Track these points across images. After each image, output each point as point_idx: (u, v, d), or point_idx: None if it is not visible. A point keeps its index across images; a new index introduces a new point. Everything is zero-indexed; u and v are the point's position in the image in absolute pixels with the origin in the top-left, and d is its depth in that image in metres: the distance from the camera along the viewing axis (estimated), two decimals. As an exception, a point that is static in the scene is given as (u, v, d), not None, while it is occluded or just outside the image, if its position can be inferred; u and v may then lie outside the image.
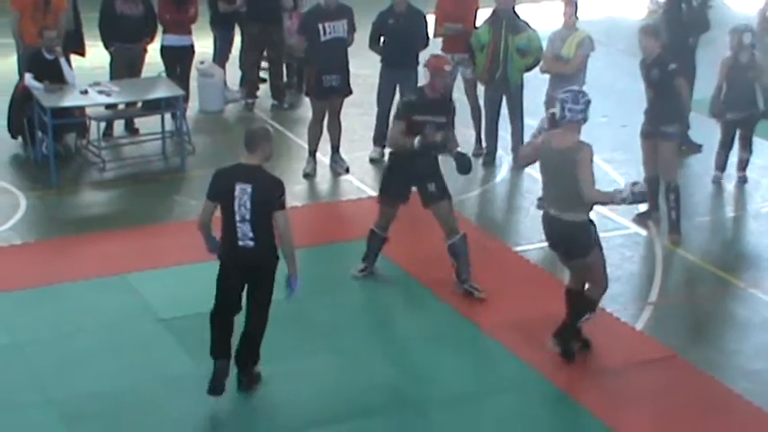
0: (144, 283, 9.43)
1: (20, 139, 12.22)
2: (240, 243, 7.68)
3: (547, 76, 11.65)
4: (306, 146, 12.09)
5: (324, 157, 12.08)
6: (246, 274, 7.81)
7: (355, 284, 9.55)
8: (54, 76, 11.87)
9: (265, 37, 13.46)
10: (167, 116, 12.40)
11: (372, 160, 12.23)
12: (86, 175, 11.93)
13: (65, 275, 9.53)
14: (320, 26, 11.56)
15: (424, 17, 12.10)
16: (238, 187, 7.63)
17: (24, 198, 11.15)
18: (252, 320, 7.92)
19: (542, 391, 8.05)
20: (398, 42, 11.91)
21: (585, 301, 8.37)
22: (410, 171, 9.30)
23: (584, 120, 8.07)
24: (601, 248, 8.26)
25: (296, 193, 11.55)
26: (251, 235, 7.66)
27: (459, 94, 12.42)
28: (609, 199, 8.11)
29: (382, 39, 12.02)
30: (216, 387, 7.83)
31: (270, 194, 7.65)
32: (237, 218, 7.63)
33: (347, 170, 11.96)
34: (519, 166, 11.59)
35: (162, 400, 7.94)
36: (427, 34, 12.12)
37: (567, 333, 8.37)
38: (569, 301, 8.42)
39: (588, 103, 8.05)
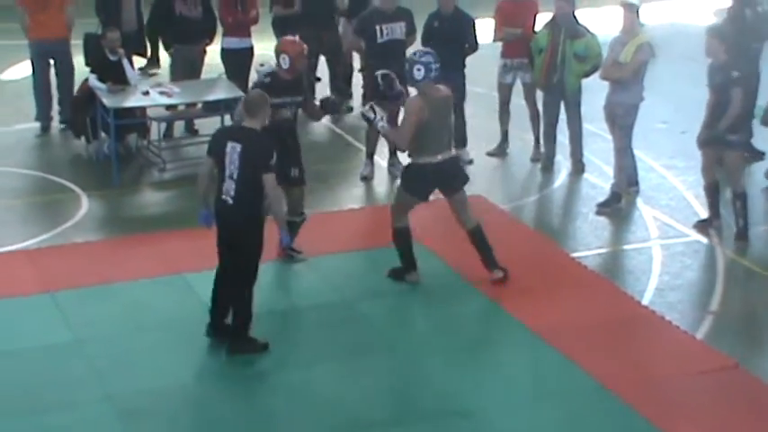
0: (201, 282, 9.45)
1: (82, 139, 12.37)
2: (222, 197, 8.16)
3: (606, 82, 11.59)
4: (364, 149, 12.14)
5: (382, 160, 12.11)
6: (226, 233, 8.27)
7: (410, 287, 9.56)
8: (116, 76, 12.01)
9: (319, 40, 13.49)
10: (227, 117, 12.49)
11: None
12: (147, 175, 12.06)
13: (125, 274, 9.63)
14: (377, 28, 11.59)
15: (473, 21, 12.09)
16: (230, 145, 8.13)
17: (86, 197, 11.29)
18: (233, 284, 8.30)
19: (598, 398, 8.00)
20: (444, 45, 11.88)
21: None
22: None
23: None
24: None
25: (353, 195, 11.61)
26: (232, 193, 8.14)
27: (517, 99, 12.43)
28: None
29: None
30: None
31: (258, 155, 8.11)
32: (226, 173, 8.12)
33: (404, 173, 11.97)
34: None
35: (217, 399, 8.00)
36: (476, 39, 12.10)
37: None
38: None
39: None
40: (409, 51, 11.80)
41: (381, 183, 11.88)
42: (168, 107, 12.42)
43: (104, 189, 11.52)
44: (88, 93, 12.11)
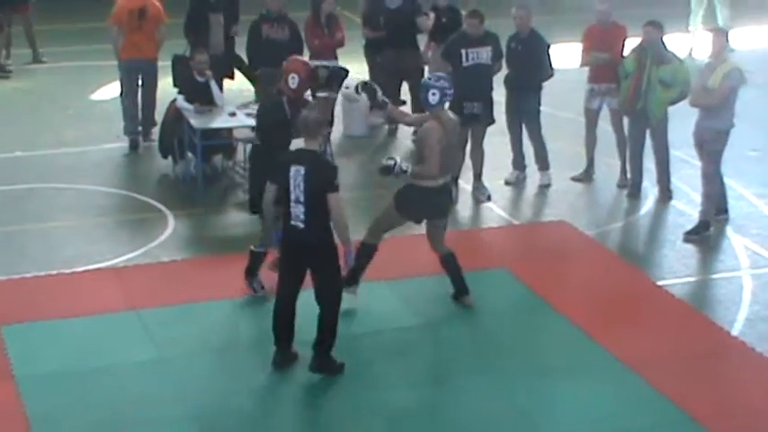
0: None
1: (169, 158, 12.50)
2: (292, 223, 8.09)
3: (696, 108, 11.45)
4: (448, 173, 12.10)
5: (466, 184, 12.07)
6: (301, 257, 8.20)
7: (494, 310, 9.51)
8: (204, 98, 12.13)
9: (400, 62, 13.49)
10: (312, 139, 12.52)
11: (507, 183, 12.27)
12: (232, 195, 12.13)
13: (210, 293, 9.69)
14: (463, 52, 11.59)
15: (547, 45, 12.05)
16: (293, 169, 8.06)
17: (172, 216, 11.39)
18: (322, 303, 8.25)
19: (688, 431, 7.86)
20: (518, 67, 11.91)
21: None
22: None
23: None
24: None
25: (437, 219, 11.58)
26: (302, 217, 8.08)
27: (604, 124, 12.32)
28: None
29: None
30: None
31: (322, 175, 8.07)
32: (292, 198, 8.07)
33: (489, 198, 11.93)
34: None
35: (301, 421, 8.02)
36: (550, 63, 12.05)
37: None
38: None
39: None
40: (495, 77, 11.88)
41: (465, 207, 11.83)
42: (254, 128, 12.47)
43: (190, 209, 11.62)
44: (176, 114, 12.24)
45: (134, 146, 13.08)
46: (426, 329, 9.21)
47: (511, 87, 12.11)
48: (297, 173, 8.08)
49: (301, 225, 8.12)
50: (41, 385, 8.26)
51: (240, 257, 10.46)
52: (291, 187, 8.09)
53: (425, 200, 9.13)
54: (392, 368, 8.64)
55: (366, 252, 9.28)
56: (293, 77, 9.48)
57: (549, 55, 12.08)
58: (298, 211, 8.09)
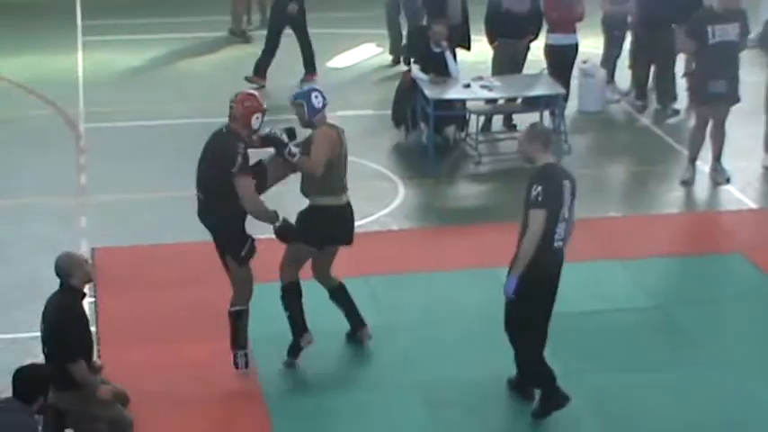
0: (512, 277, 9.45)
1: (402, 128, 12.58)
2: (555, 244, 7.40)
3: None
4: (686, 152, 11.75)
5: (704, 165, 11.68)
6: (555, 282, 7.49)
7: (726, 295, 9.23)
8: (439, 68, 12.12)
9: (653, 41, 13.13)
10: (546, 114, 12.37)
11: (766, 168, 11.77)
12: (463, 167, 12.11)
13: (437, 263, 9.69)
14: (709, 29, 11.18)
15: None
16: (565, 184, 7.38)
17: (402, 186, 11.45)
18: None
19: None
20: None
21: None
22: None
23: None
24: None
25: (672, 200, 11.28)
26: (563, 235, 7.42)
27: None
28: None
29: None
30: None
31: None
32: (560, 216, 7.33)
33: (728, 180, 11.51)
34: None
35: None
36: None
37: None
38: None
39: None
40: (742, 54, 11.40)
41: (702, 188, 11.45)
42: (488, 101, 12.44)
43: (421, 178, 11.65)
44: (410, 83, 12.29)
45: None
46: (659, 312, 8.97)
47: None
48: (566, 189, 7.38)
49: (561, 244, 7.39)
50: (273, 343, 8.37)
51: (469, 229, 10.46)
52: (564, 208, 7.35)
53: (330, 221, 8.08)
54: (619, 349, 8.47)
55: (290, 294, 8.15)
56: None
57: None
58: (561, 229, 7.35)
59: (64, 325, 7.10)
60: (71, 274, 7.19)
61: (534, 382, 7.67)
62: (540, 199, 7.25)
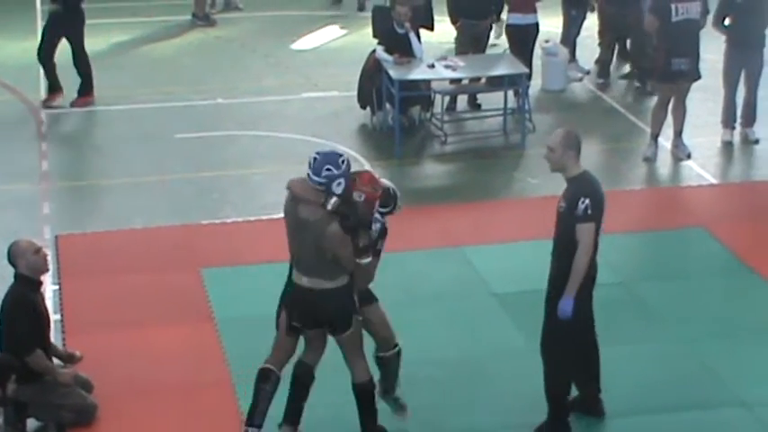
0: (479, 256, 9.52)
1: (367, 109, 12.59)
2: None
3: None
4: (648, 129, 11.84)
5: (666, 141, 11.77)
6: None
7: (689, 270, 9.34)
8: (403, 49, 12.15)
9: (620, 19, 13.21)
10: (510, 93, 12.44)
11: (725, 143, 11.90)
12: (428, 147, 12.16)
13: (405, 243, 9.68)
14: (673, 6, 11.24)
15: None
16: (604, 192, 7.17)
17: (369, 167, 11.46)
18: None
19: None
20: (746, 21, 11.44)
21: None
22: None
23: None
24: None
25: (634, 176, 11.39)
26: None
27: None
28: None
29: (727, 18, 11.61)
30: None
31: None
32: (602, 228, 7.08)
33: (689, 156, 11.62)
34: None
35: (490, 372, 8.03)
36: None
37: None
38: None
39: None
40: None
41: (664, 164, 11.55)
42: (452, 81, 12.48)
43: (387, 159, 11.69)
44: (375, 64, 12.31)
45: None
46: (622, 288, 9.05)
47: (738, 44, 11.64)
48: (605, 198, 7.14)
49: None
50: (241, 327, 8.46)
51: (434, 209, 10.52)
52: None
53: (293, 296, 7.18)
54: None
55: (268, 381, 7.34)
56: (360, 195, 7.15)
57: None
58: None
59: (15, 317, 7.18)
60: (16, 263, 7.26)
61: (551, 399, 7.31)
62: (589, 212, 6.97)
